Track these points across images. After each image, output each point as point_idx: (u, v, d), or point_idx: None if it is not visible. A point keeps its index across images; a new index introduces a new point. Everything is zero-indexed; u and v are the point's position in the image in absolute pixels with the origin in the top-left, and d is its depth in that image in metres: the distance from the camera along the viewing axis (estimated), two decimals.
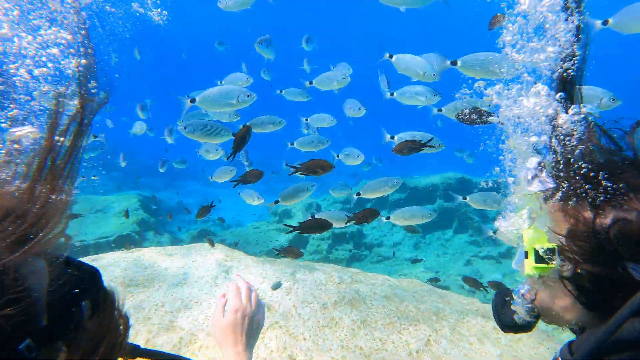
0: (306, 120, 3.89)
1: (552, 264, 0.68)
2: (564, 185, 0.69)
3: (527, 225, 0.76)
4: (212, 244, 3.38)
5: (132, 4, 2.45)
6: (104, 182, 13.27)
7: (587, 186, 0.65)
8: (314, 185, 2.93)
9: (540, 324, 0.87)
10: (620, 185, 0.62)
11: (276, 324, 2.45)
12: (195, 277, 2.99)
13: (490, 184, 0.96)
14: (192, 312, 2.58)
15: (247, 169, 3.30)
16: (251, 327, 1.11)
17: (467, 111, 2.09)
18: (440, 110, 2.75)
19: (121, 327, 0.53)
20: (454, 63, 2.56)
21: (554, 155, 0.73)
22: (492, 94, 0.89)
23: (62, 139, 0.49)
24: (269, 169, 3.42)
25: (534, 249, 0.70)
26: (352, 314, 2.58)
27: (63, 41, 0.88)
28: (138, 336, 2.39)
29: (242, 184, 2.61)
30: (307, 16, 28.61)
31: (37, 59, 0.91)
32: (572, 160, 0.70)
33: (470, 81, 1.17)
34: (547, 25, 0.82)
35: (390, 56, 2.71)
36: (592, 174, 0.65)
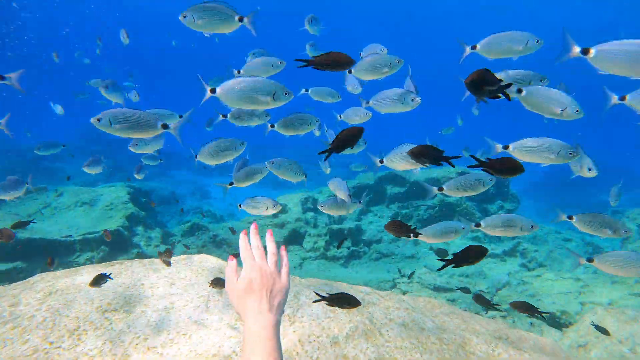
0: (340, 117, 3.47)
1: None
2: None
3: None
4: (169, 264, 2.93)
5: None
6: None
7: None
8: (243, 144, 2.70)
9: None
10: None
11: None
12: (184, 301, 2.59)
13: None
14: (179, 348, 2.19)
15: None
16: (274, 287, 0.92)
17: None
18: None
19: None
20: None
21: None
22: None
23: None
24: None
25: None
26: (367, 350, 2.22)
27: None
28: None
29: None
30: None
31: None
32: None
33: None
34: None
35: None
36: None
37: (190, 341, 2.25)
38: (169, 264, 2.81)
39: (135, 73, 8.94)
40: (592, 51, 1.82)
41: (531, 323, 4.84)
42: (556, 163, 2.17)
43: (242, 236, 0.98)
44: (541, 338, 2.60)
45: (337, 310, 2.52)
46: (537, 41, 2.33)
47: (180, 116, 2.90)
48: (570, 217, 2.40)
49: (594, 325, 3.47)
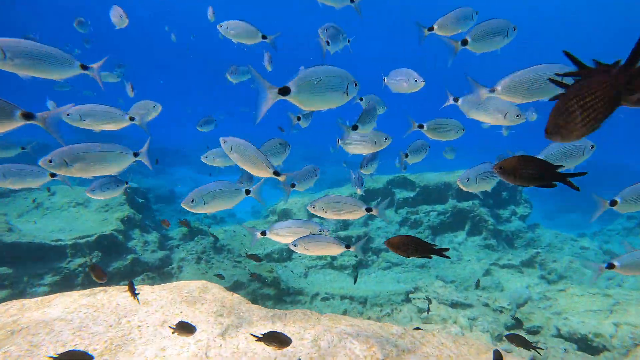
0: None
1: None
2: None
3: None
4: (135, 296, 2.41)
5: None
6: None
7: None
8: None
9: None
10: None
11: None
12: (178, 345, 2.12)
13: None
14: None
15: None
16: None
17: None
18: None
19: None
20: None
21: None
22: None
23: None
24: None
25: None
26: None
27: None
28: None
29: None
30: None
31: None
32: None
33: None
34: None
35: None
36: None
37: None
38: (135, 295, 2.32)
39: (126, 64, 8.44)
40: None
41: (565, 349, 4.37)
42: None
43: None
44: None
45: None
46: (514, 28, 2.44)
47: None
48: (613, 203, 2.10)
49: None
